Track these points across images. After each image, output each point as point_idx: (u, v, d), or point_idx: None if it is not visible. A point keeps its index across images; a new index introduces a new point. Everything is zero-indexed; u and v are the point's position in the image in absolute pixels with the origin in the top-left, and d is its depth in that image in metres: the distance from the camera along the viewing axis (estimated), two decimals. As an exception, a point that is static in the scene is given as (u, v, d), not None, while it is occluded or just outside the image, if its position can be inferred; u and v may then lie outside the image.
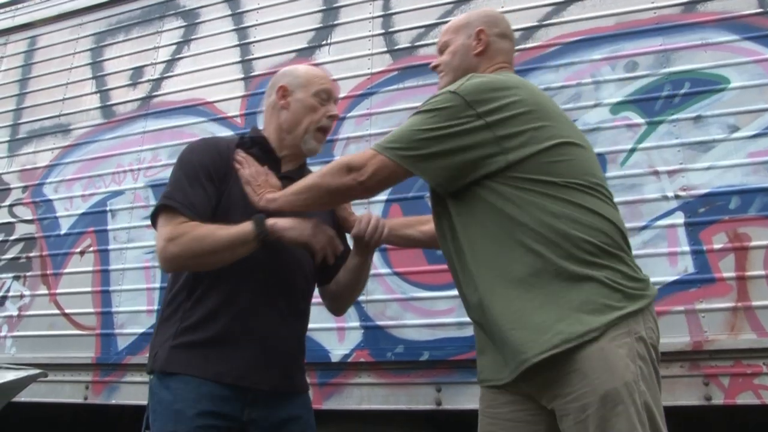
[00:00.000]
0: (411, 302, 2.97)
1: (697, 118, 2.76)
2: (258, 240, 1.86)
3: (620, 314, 1.56)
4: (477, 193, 1.72)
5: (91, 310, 3.53)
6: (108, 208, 3.67)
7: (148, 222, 3.45)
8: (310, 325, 3.05)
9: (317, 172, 1.89)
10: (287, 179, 2.02)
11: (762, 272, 2.55)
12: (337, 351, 3.02)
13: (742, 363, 2.49)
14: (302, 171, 2.14)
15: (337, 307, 2.25)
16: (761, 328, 2.50)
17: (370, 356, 2.96)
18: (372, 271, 3.04)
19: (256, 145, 2.09)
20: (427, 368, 2.87)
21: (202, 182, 1.95)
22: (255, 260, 1.89)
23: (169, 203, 1.90)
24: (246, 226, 1.86)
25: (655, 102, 2.83)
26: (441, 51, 2.08)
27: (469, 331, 2.82)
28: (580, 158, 1.75)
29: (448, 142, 1.70)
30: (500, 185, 1.69)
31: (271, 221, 1.87)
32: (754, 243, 2.58)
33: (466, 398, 2.78)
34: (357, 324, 3.03)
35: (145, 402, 3.24)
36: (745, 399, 2.46)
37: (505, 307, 1.63)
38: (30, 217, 3.90)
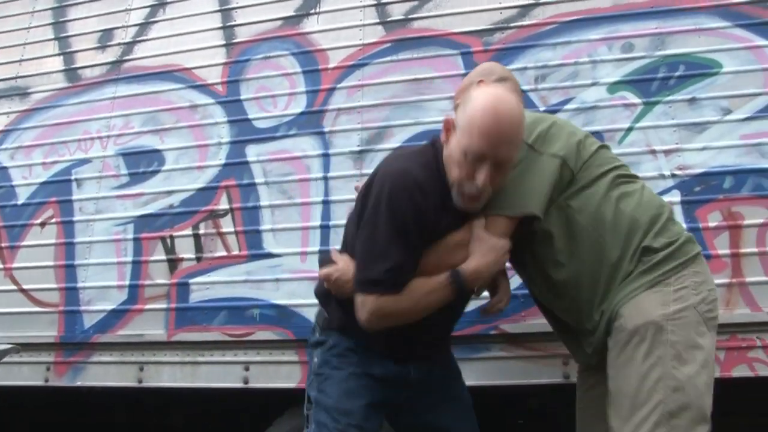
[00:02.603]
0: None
1: (692, 100, 2.82)
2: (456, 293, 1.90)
3: None
4: None
5: (54, 285, 3.29)
6: (73, 177, 3.44)
7: (119, 192, 3.35)
8: (299, 301, 3.00)
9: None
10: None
11: (755, 249, 2.63)
12: (328, 327, 2.93)
13: (737, 337, 2.56)
14: None
15: None
16: (754, 303, 2.59)
17: (363, 332, 2.88)
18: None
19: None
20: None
21: (412, 244, 1.86)
22: None
23: (373, 290, 1.86)
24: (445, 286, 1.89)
25: (651, 83, 2.88)
26: None
27: (469, 306, 2.79)
28: None
29: None
30: None
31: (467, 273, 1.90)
32: (747, 221, 2.66)
33: (465, 374, 2.67)
34: (350, 300, 2.94)
35: (113, 383, 3.08)
36: (741, 372, 2.53)
37: None
38: (-21, 186, 3.61)
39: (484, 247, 1.90)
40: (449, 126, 1.88)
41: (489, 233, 1.91)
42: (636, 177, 2.11)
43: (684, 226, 2.67)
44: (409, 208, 1.82)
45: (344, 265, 1.96)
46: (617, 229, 1.94)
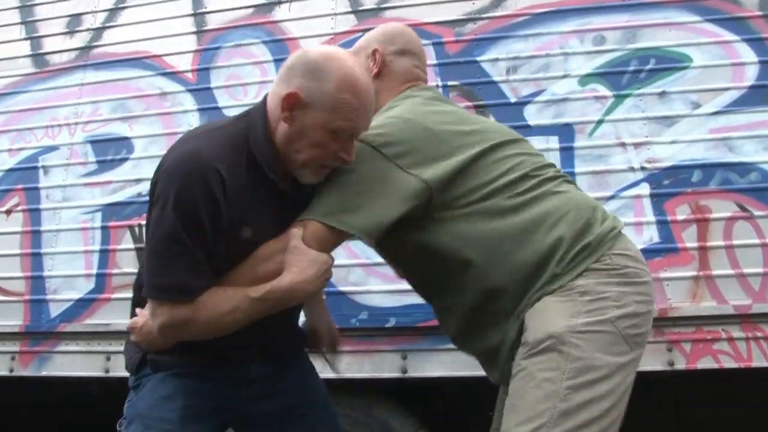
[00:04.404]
0: (375, 267, 2.89)
1: (662, 94, 2.84)
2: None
3: None
4: None
5: (20, 274, 3.24)
6: (40, 164, 3.38)
7: (87, 180, 3.29)
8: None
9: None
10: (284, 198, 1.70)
11: (722, 243, 2.66)
12: (297, 317, 2.91)
13: (702, 329, 2.59)
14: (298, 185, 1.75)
15: None
16: (720, 296, 2.61)
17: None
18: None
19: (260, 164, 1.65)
20: (392, 335, 2.81)
21: (206, 243, 1.57)
22: None
23: (161, 296, 1.57)
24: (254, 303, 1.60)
25: (622, 76, 2.90)
26: None
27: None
28: None
29: None
30: None
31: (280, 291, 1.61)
32: (714, 215, 2.69)
33: (432, 366, 2.75)
34: (318, 290, 2.93)
35: (80, 372, 3.04)
36: (705, 364, 2.56)
37: None
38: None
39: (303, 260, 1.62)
40: (294, 102, 1.59)
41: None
42: None
43: (653, 219, 2.72)
44: (201, 201, 1.54)
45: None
46: None
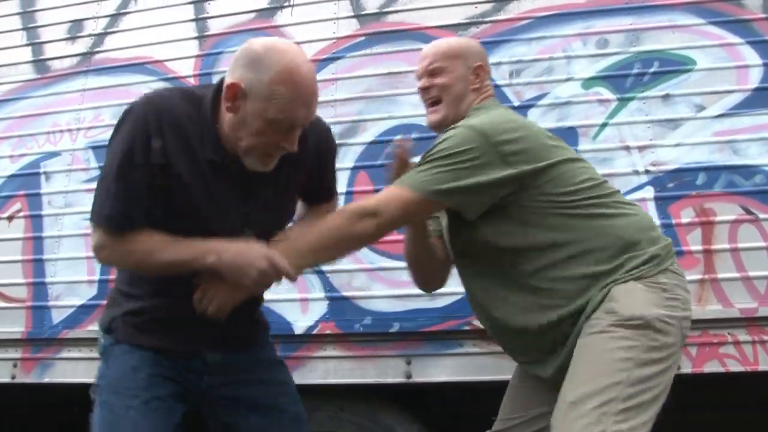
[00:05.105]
0: (379, 272, 2.89)
1: (666, 97, 2.83)
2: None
3: None
4: None
5: (21, 280, 3.23)
6: (42, 170, 3.36)
7: (88, 185, 3.28)
8: (271, 296, 2.96)
9: (322, 223, 1.87)
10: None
11: (727, 246, 2.65)
12: (301, 323, 2.91)
13: (708, 333, 2.57)
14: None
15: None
16: (726, 299, 2.60)
17: (336, 328, 2.86)
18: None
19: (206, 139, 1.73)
20: (396, 340, 2.80)
21: (143, 188, 1.69)
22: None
23: (105, 224, 1.71)
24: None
25: (626, 79, 2.89)
26: (431, 74, 2.10)
27: (441, 302, 2.79)
28: None
29: None
30: None
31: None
32: (719, 218, 2.68)
33: (437, 371, 2.74)
34: (321, 295, 2.93)
35: (83, 379, 3.02)
36: (711, 368, 2.55)
37: None
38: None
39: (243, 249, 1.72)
40: (236, 92, 1.65)
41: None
42: None
43: (658, 222, 2.71)
44: (146, 141, 1.66)
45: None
46: None
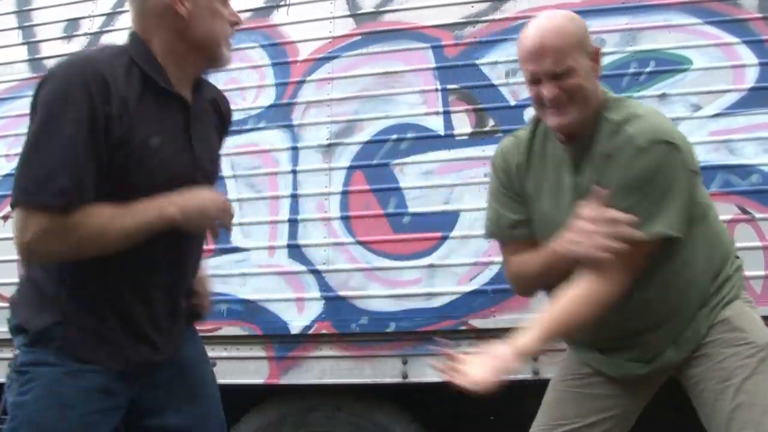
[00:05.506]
0: (375, 272, 2.89)
1: (662, 96, 2.83)
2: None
3: None
4: None
5: (17, 280, 3.20)
6: (39, 170, 3.35)
7: (87, 184, 3.25)
8: (267, 296, 2.97)
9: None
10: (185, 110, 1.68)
11: (723, 246, 2.64)
12: (296, 323, 2.91)
13: (707, 333, 2.56)
14: (201, 96, 1.77)
15: None
16: (722, 299, 2.59)
17: (332, 328, 2.87)
18: (333, 240, 2.97)
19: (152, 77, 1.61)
20: (392, 340, 2.82)
21: (91, 150, 1.48)
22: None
23: (53, 202, 1.45)
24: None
25: (622, 78, 2.88)
26: (558, 77, 1.73)
27: (437, 302, 2.80)
28: None
29: None
30: None
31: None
32: (715, 218, 2.67)
33: (433, 371, 2.73)
34: (318, 295, 2.93)
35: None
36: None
37: None
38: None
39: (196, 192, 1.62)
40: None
41: None
42: None
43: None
44: (84, 103, 1.46)
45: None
46: None
